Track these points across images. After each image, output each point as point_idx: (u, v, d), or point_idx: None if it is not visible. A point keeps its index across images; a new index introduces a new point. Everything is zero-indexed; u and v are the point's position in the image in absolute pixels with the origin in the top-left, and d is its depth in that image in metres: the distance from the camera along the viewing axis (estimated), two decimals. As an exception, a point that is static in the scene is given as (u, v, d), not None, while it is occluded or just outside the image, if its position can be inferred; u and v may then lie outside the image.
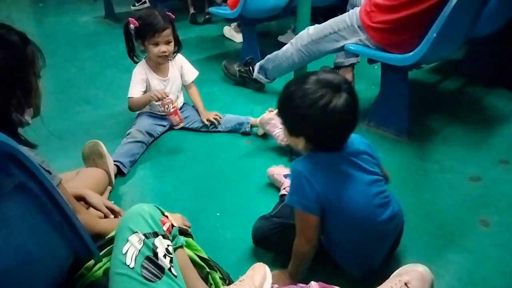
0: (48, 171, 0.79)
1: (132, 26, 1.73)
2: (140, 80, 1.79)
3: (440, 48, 1.71)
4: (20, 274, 0.65)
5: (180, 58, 1.92)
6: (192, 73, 1.94)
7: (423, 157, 1.76)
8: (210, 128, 1.92)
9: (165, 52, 1.74)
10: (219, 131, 1.93)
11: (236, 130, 1.91)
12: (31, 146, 0.82)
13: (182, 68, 1.91)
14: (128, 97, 1.79)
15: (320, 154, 1.02)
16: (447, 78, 2.61)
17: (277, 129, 1.73)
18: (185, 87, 1.97)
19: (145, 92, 1.81)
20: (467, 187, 1.57)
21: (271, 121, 1.77)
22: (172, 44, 1.78)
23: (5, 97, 0.76)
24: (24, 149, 0.74)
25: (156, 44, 1.73)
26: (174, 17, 1.80)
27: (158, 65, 1.83)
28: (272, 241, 1.18)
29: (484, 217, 1.40)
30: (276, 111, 1.83)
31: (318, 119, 0.95)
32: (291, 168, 1.03)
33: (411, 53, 1.66)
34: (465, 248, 1.28)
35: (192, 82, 1.94)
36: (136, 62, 1.84)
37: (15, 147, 0.53)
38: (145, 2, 4.30)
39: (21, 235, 0.62)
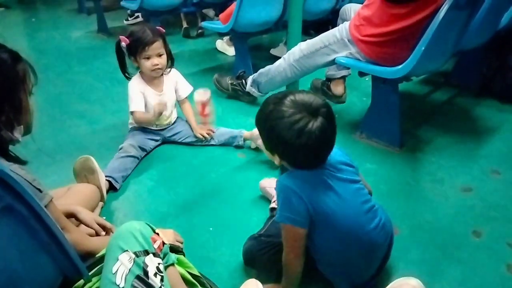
0: (38, 189, 0.78)
1: (123, 44, 1.74)
2: (138, 92, 1.79)
3: (429, 61, 1.73)
4: (7, 295, 0.64)
5: (175, 73, 1.92)
6: (186, 88, 1.94)
7: (415, 168, 1.77)
8: (204, 142, 1.92)
9: (157, 64, 1.75)
10: (213, 145, 1.93)
11: (229, 143, 1.92)
12: (22, 162, 0.82)
13: (177, 83, 1.92)
14: (132, 111, 1.79)
15: (301, 171, 1.02)
16: (437, 90, 2.65)
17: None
18: (178, 102, 1.97)
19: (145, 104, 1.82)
20: (458, 197, 1.58)
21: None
22: (164, 57, 1.78)
23: None
24: (14, 167, 0.74)
25: (148, 58, 1.74)
26: (164, 30, 1.81)
27: (153, 79, 1.83)
28: (262, 262, 1.17)
29: (476, 228, 1.41)
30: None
31: (292, 142, 0.94)
32: (277, 183, 1.02)
33: (400, 66, 1.68)
34: (457, 259, 1.28)
35: (186, 97, 1.95)
36: (129, 79, 1.84)
37: (3, 169, 0.53)
38: (138, 17, 4.33)
39: (8, 256, 0.61)
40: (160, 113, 1.77)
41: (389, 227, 1.12)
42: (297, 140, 0.94)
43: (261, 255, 1.17)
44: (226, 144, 1.92)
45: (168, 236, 1.07)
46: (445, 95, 2.56)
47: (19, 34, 4.32)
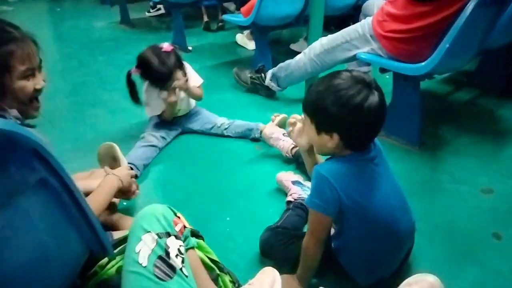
0: None
1: (136, 73, 1.75)
2: (153, 96, 1.82)
3: (452, 59, 1.71)
4: (37, 269, 0.66)
5: (185, 66, 1.90)
6: (195, 80, 1.92)
7: (434, 167, 1.75)
8: (221, 131, 1.94)
9: (176, 101, 1.81)
10: (229, 136, 1.95)
11: (246, 136, 1.93)
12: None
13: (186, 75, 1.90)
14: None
15: (345, 158, 1.00)
16: (459, 89, 2.60)
17: (281, 141, 1.74)
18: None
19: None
20: (479, 199, 1.55)
21: (273, 135, 1.78)
22: (183, 79, 1.77)
23: None
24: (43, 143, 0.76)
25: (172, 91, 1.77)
26: (173, 47, 1.77)
27: None
28: (278, 252, 1.18)
29: (497, 230, 1.39)
30: (277, 119, 1.85)
31: (354, 116, 0.93)
32: (314, 170, 1.00)
33: (423, 63, 1.66)
34: (476, 261, 1.26)
35: (199, 87, 1.92)
36: (139, 103, 1.82)
37: (39, 142, 0.55)
38: (159, 9, 4.38)
39: (40, 230, 0.64)
40: (172, 106, 1.81)
41: (414, 226, 1.12)
42: (358, 113, 0.92)
43: (278, 246, 1.18)
44: (242, 136, 1.93)
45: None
46: (467, 95, 2.51)
47: (44, 23, 4.42)
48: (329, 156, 1.08)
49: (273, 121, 1.87)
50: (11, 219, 0.59)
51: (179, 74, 1.76)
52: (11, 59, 0.83)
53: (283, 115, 1.86)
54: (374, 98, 0.93)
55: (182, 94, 1.91)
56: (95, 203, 1.00)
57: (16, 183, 0.57)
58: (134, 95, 1.79)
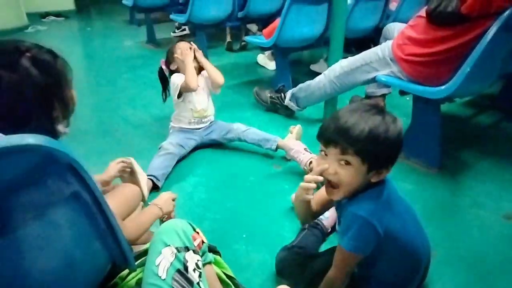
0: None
1: (164, 66, 1.96)
2: (180, 80, 1.92)
3: (473, 83, 1.70)
4: (63, 277, 0.70)
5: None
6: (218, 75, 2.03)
7: (454, 191, 1.73)
8: (237, 134, 1.99)
9: (190, 47, 1.94)
10: (245, 141, 1.98)
11: (261, 145, 1.95)
12: None
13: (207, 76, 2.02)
14: (181, 85, 1.91)
15: (374, 194, 0.97)
16: (482, 112, 2.57)
17: (301, 155, 1.77)
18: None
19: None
20: (500, 224, 1.52)
21: (294, 147, 1.81)
22: (194, 45, 1.97)
23: (48, 112, 0.81)
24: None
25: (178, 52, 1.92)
26: (195, 46, 2.00)
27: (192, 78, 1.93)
28: (294, 272, 1.19)
29: (518, 257, 1.35)
30: (295, 130, 1.90)
31: (399, 147, 0.93)
32: (350, 212, 0.95)
33: (443, 87, 1.66)
34: (496, 288, 1.23)
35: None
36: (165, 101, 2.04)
37: (74, 158, 0.60)
38: (184, 30, 4.53)
39: (68, 240, 0.68)
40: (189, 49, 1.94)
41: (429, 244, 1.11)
42: (400, 145, 0.93)
43: (294, 266, 1.19)
44: (257, 144, 1.96)
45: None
46: (490, 118, 2.48)
47: (75, 41, 4.64)
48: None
49: (291, 133, 1.90)
50: (44, 229, 0.63)
51: (185, 42, 1.96)
52: (65, 68, 0.88)
53: (298, 126, 1.95)
54: (397, 125, 0.94)
55: (207, 91, 2.02)
56: (139, 225, 1.06)
57: (52, 196, 0.61)
58: (164, 88, 2.02)
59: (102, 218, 0.69)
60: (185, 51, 1.91)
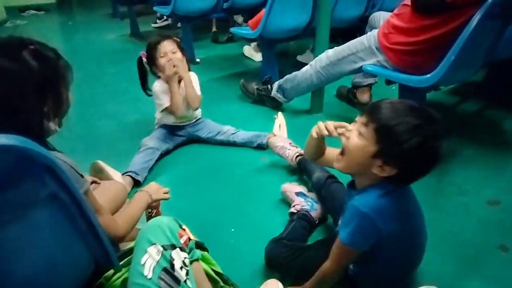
0: (81, 175, 0.84)
1: (144, 59, 1.85)
2: (164, 91, 1.87)
3: (458, 71, 1.71)
4: (45, 280, 0.68)
5: (192, 76, 1.94)
6: (196, 89, 1.94)
7: (441, 179, 1.74)
8: (226, 137, 1.96)
9: (170, 59, 1.81)
10: (234, 143, 1.97)
11: (252, 142, 1.94)
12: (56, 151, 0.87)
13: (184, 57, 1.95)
14: (165, 108, 1.87)
15: (383, 191, 0.93)
16: (466, 101, 2.59)
17: (287, 150, 1.75)
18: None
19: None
20: (485, 211, 1.54)
21: (279, 143, 1.79)
22: (179, 53, 1.85)
23: (39, 106, 0.81)
24: (59, 154, 0.79)
25: (163, 56, 1.82)
26: (178, 40, 1.91)
27: (172, 83, 1.86)
28: (284, 264, 1.19)
29: (503, 242, 1.37)
30: (279, 120, 1.89)
31: (428, 159, 0.90)
32: (353, 207, 0.93)
33: (428, 75, 1.67)
34: (482, 274, 1.25)
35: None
36: (149, 95, 1.94)
37: (51, 158, 0.57)
38: (166, 19, 4.44)
39: (49, 242, 0.66)
40: (174, 73, 1.82)
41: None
42: (433, 156, 0.90)
43: (283, 258, 1.18)
44: (247, 142, 1.95)
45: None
46: (474, 106, 2.50)
47: (56, 36, 4.53)
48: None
49: (277, 118, 1.92)
50: (23, 232, 0.61)
51: (168, 41, 1.83)
52: (66, 70, 0.89)
53: (279, 113, 1.97)
54: (442, 141, 0.90)
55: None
56: (129, 217, 1.04)
57: (28, 197, 0.59)
58: (143, 82, 1.92)
59: (83, 219, 0.67)
60: (170, 69, 1.80)
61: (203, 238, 1.13)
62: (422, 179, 1.66)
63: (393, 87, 2.07)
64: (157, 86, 1.88)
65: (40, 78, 0.79)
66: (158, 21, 4.50)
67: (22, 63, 0.78)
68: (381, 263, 1.03)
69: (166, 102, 1.85)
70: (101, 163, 1.54)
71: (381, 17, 2.29)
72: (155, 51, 1.83)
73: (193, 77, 1.95)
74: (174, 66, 1.80)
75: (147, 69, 1.88)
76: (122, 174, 1.62)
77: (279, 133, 1.89)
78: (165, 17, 4.46)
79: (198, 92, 1.93)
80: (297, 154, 1.72)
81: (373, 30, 1.95)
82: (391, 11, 1.90)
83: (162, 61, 1.82)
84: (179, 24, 3.94)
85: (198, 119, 2.03)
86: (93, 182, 1.39)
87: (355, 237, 0.94)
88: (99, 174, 1.53)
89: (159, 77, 1.89)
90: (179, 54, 1.85)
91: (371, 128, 0.90)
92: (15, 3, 5.46)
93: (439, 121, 0.89)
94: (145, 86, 1.93)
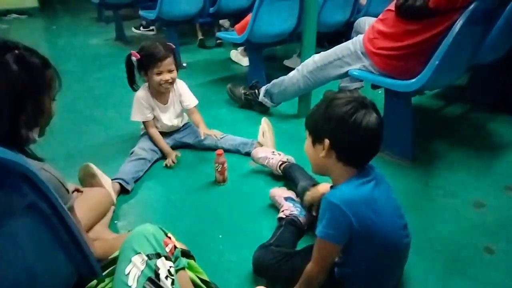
0: (67, 190, 0.82)
1: (134, 58, 1.78)
2: (143, 109, 1.84)
3: (442, 75, 1.74)
4: (24, 292, 0.66)
5: (180, 85, 1.93)
6: (191, 101, 1.93)
7: (427, 182, 1.76)
8: (214, 142, 1.93)
9: (168, 80, 1.78)
10: (222, 148, 1.94)
11: (240, 150, 1.94)
12: (39, 160, 0.85)
13: (182, 95, 1.92)
14: (135, 121, 1.86)
15: (351, 183, 1.00)
16: (450, 104, 2.63)
17: (270, 160, 1.74)
18: (187, 113, 2.00)
19: (152, 117, 1.88)
20: (471, 213, 1.56)
21: (260, 155, 1.77)
22: (175, 72, 1.81)
23: (16, 113, 0.79)
24: (47, 166, 0.77)
25: (159, 74, 1.77)
26: (174, 47, 1.85)
27: (159, 93, 1.86)
28: (272, 271, 1.18)
29: (488, 244, 1.39)
30: (264, 126, 1.89)
31: (345, 126, 0.97)
32: (324, 200, 0.99)
33: (414, 80, 1.69)
34: (468, 275, 1.26)
35: (194, 107, 1.94)
36: (135, 90, 1.88)
37: (28, 167, 0.55)
38: (152, 30, 4.41)
39: (28, 253, 0.64)
40: (168, 164, 1.84)
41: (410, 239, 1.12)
42: (357, 128, 0.96)
43: (271, 265, 1.17)
44: (236, 150, 1.94)
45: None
46: (458, 109, 2.54)
47: (40, 40, 4.45)
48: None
49: (262, 133, 1.90)
50: (1, 242, 0.59)
51: (170, 59, 1.78)
52: (53, 80, 0.88)
53: (263, 119, 1.94)
54: (369, 116, 0.97)
55: (178, 109, 1.93)
56: (109, 248, 0.99)
57: (5, 208, 0.57)
58: (131, 79, 1.85)
59: (64, 229, 0.65)
60: (163, 88, 1.81)
61: (189, 244, 1.12)
62: (409, 184, 1.67)
63: (379, 91, 2.08)
64: (139, 97, 1.84)
65: (19, 84, 0.77)
66: (141, 28, 4.46)
67: (3, 66, 0.76)
68: (360, 263, 1.04)
69: (137, 117, 1.86)
70: (93, 167, 1.51)
71: (366, 22, 2.32)
72: (153, 64, 1.75)
73: (182, 85, 1.93)
74: (167, 83, 1.79)
75: (135, 65, 1.82)
76: (112, 180, 1.59)
77: (263, 140, 1.88)
78: (151, 27, 4.42)
79: (194, 99, 1.93)
80: (280, 162, 1.71)
81: (359, 35, 1.97)
82: (376, 17, 1.93)
83: (157, 79, 1.77)
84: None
85: (185, 123, 2.01)
86: (76, 190, 1.36)
87: (329, 229, 0.97)
88: (89, 178, 1.50)
89: (144, 79, 1.85)
90: (175, 74, 1.81)
91: (307, 134, 1.09)
92: (-3, 7, 5.36)
93: (348, 102, 0.99)
94: (132, 82, 1.87)
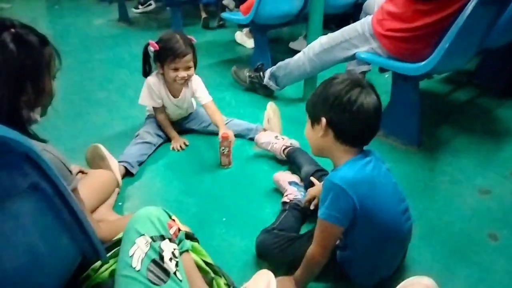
0: (70, 171, 0.81)
1: (151, 48, 1.71)
2: (153, 95, 1.79)
3: (452, 58, 1.70)
4: (29, 273, 0.66)
5: (195, 81, 1.85)
6: (205, 97, 1.85)
7: (433, 168, 1.74)
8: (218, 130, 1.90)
9: (184, 77, 1.72)
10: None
11: (244, 135, 1.92)
12: (41, 141, 0.84)
13: (196, 91, 1.85)
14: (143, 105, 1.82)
15: (351, 164, 1.00)
16: (458, 89, 2.59)
17: (274, 145, 1.72)
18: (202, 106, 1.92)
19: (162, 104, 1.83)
20: (476, 199, 1.55)
21: (264, 140, 1.75)
22: (192, 69, 1.74)
23: (16, 93, 0.78)
24: (49, 147, 0.77)
25: (176, 70, 1.70)
26: (195, 41, 1.77)
27: (172, 85, 1.80)
28: (275, 255, 1.18)
29: (493, 230, 1.38)
30: (271, 111, 1.86)
31: (342, 106, 0.98)
32: (326, 180, 1.00)
33: (422, 63, 1.65)
34: (472, 262, 1.26)
35: (210, 102, 1.85)
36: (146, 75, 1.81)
37: (30, 146, 0.54)
38: (150, 5, 4.33)
39: (31, 234, 0.63)
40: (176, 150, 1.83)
41: (411, 226, 1.12)
42: (351, 105, 0.96)
43: (274, 249, 1.17)
44: (240, 135, 1.92)
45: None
46: (466, 94, 2.50)
47: (42, 20, 4.39)
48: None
49: (268, 118, 1.86)
50: (3, 224, 0.59)
51: (190, 56, 1.71)
52: (52, 58, 0.86)
53: (269, 104, 1.90)
54: (365, 95, 0.97)
55: (189, 103, 1.91)
56: (115, 229, 1.00)
57: (7, 188, 0.56)
58: (147, 72, 1.80)
59: (67, 209, 0.64)
60: (177, 83, 1.75)
61: (193, 227, 1.12)
62: (415, 170, 1.66)
63: (386, 75, 2.05)
64: (150, 84, 1.78)
65: (17, 64, 0.76)
66: (140, 6, 4.38)
67: (0, 45, 0.74)
68: (360, 246, 1.04)
69: (145, 102, 1.81)
70: (102, 148, 1.50)
71: (375, 3, 2.26)
72: (172, 59, 1.68)
73: (197, 80, 1.86)
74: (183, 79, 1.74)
75: (151, 55, 1.76)
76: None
77: (269, 126, 1.86)
78: (149, 2, 4.34)
79: (207, 96, 1.85)
80: (284, 147, 1.69)
81: (367, 16, 1.92)
82: (386, -2, 1.87)
83: (173, 75, 1.71)
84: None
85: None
86: (80, 171, 1.36)
87: (331, 210, 0.98)
88: (98, 160, 1.50)
89: (160, 71, 1.77)
90: (192, 71, 1.74)
91: (307, 116, 1.09)
92: (-1, -14, 5.28)
93: (342, 82, 1.00)
94: (147, 72, 1.80)
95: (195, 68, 1.78)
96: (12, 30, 0.77)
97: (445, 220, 1.43)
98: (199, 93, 1.85)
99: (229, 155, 1.70)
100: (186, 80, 1.76)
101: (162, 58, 1.71)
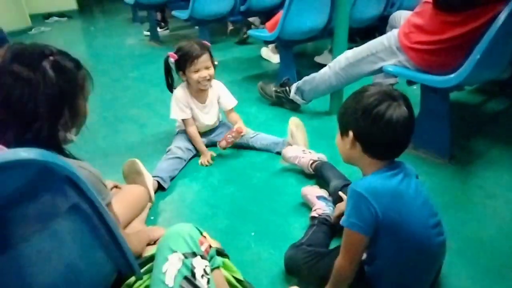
0: (104, 186, 0.85)
1: (172, 59, 1.82)
2: (182, 106, 1.87)
3: (483, 70, 1.66)
4: (66, 289, 0.69)
5: (218, 85, 1.96)
6: (230, 101, 1.97)
7: (466, 181, 1.69)
8: (246, 140, 1.96)
9: (206, 76, 1.80)
10: (254, 148, 1.96)
11: (271, 149, 1.94)
12: (77, 159, 0.88)
13: (220, 97, 1.95)
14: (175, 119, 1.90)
15: (378, 175, 0.99)
16: (491, 100, 2.51)
17: (301, 159, 1.72)
18: (224, 113, 2.02)
19: (191, 115, 1.91)
20: (513, 214, 1.49)
21: (291, 155, 1.76)
22: (212, 69, 1.83)
23: (55, 118, 0.82)
24: (84, 164, 0.81)
25: (196, 71, 1.79)
26: (209, 44, 1.87)
27: (198, 92, 1.89)
28: (304, 271, 1.17)
29: (533, 248, 1.32)
30: (293, 126, 1.87)
31: (369, 119, 0.96)
32: (350, 188, 0.99)
33: (452, 75, 1.62)
34: (510, 280, 1.20)
35: (231, 108, 1.98)
36: (171, 90, 1.92)
37: (71, 170, 0.58)
38: (167, 29, 4.56)
39: (71, 252, 0.67)
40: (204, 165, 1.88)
41: (445, 243, 1.08)
42: (379, 120, 0.95)
43: (303, 264, 1.17)
44: (267, 149, 1.94)
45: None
46: (499, 105, 2.42)
47: (78, 41, 4.64)
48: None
49: (292, 133, 1.87)
50: (46, 243, 0.62)
51: (206, 56, 1.80)
52: (85, 81, 0.90)
53: (291, 119, 1.91)
54: (394, 108, 0.95)
55: (216, 110, 1.97)
56: (137, 244, 1.06)
57: (51, 209, 0.60)
58: (169, 81, 1.90)
59: (105, 228, 0.68)
60: (202, 86, 1.83)
61: (223, 242, 1.14)
62: (447, 183, 1.61)
63: (415, 87, 2.02)
64: (177, 96, 1.87)
65: (56, 89, 0.80)
66: (159, 29, 4.56)
67: (41, 73, 0.78)
68: (386, 260, 1.02)
69: (176, 115, 1.88)
70: (139, 164, 1.56)
71: (401, 17, 2.25)
72: (190, 62, 1.78)
73: (221, 86, 1.96)
74: (205, 80, 1.81)
75: (172, 68, 1.87)
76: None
77: (293, 141, 1.87)
78: (166, 27, 4.57)
79: (233, 100, 1.98)
80: (311, 161, 1.69)
81: (393, 29, 1.91)
82: (411, 10, 1.86)
83: (195, 77, 1.80)
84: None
85: (218, 124, 2.04)
86: (114, 186, 1.41)
87: (353, 217, 0.97)
88: (134, 175, 1.55)
89: (183, 79, 1.88)
90: (212, 70, 1.83)
91: (338, 128, 1.08)
92: (39, 10, 5.62)
93: (374, 94, 0.98)
94: (171, 85, 1.91)
95: (214, 69, 1.86)
96: (51, 58, 0.81)
97: (482, 236, 1.38)
98: (223, 97, 1.95)
99: (231, 143, 1.85)
100: (208, 80, 1.83)
101: (182, 65, 1.81)
